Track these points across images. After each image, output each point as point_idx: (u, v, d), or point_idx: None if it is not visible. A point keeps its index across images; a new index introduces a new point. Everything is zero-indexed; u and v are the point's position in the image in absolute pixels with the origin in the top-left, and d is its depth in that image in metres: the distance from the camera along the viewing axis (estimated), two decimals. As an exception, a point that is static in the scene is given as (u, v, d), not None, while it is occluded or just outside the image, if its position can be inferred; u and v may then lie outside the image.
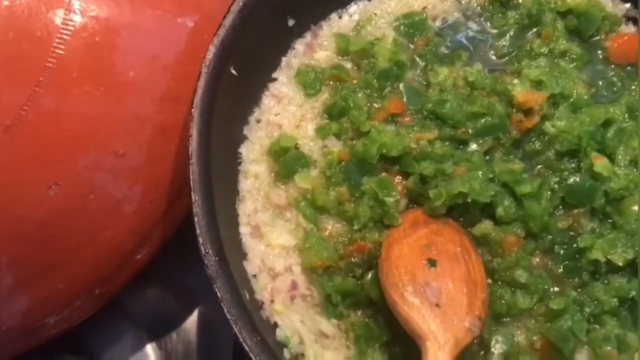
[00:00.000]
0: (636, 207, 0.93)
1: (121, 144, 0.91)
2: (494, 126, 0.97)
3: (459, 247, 0.90)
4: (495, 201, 0.92)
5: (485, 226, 0.92)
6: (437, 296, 0.85)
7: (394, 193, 0.95)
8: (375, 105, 1.01)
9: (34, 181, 0.86)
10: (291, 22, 1.06)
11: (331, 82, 1.04)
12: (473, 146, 0.97)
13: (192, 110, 0.89)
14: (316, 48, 1.07)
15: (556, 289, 0.93)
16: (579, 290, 0.92)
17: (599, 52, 1.06)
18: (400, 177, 0.97)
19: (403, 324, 0.85)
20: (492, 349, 0.90)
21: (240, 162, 1.01)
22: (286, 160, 0.99)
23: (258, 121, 1.04)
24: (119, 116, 0.91)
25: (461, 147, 0.98)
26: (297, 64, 1.06)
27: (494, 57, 1.06)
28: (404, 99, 1.01)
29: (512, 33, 1.06)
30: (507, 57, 1.05)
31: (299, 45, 1.08)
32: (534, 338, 0.90)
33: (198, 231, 0.86)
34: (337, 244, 0.95)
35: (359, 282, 0.93)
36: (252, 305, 0.92)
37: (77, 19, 0.88)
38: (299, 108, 1.04)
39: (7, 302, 0.92)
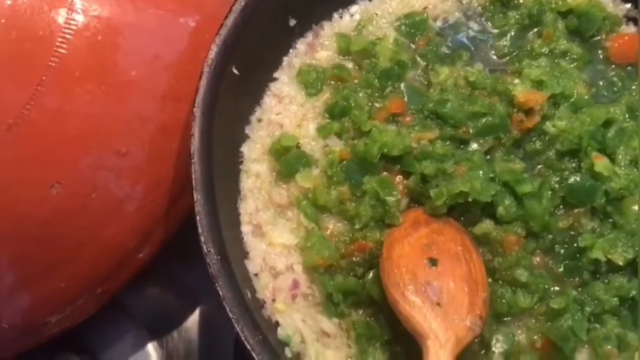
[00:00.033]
0: (636, 207, 0.93)
1: (123, 143, 0.91)
2: (495, 126, 0.97)
3: (460, 247, 0.90)
4: (496, 200, 0.92)
5: (486, 225, 0.92)
6: (438, 295, 0.85)
7: (395, 192, 0.95)
8: (377, 104, 1.01)
9: (36, 180, 0.86)
10: (292, 22, 1.06)
11: (332, 82, 1.05)
12: (474, 146, 0.98)
13: (194, 109, 0.90)
14: (317, 48, 1.08)
15: (557, 288, 0.93)
16: (580, 289, 0.92)
17: (600, 52, 1.06)
18: (401, 177, 0.98)
19: (404, 323, 0.85)
20: (493, 348, 0.90)
21: (242, 161, 1.01)
22: (287, 160, 0.99)
23: (259, 120, 1.04)
24: (121, 115, 0.91)
25: (462, 146, 0.98)
26: (298, 64, 1.06)
27: (494, 57, 1.06)
28: (405, 99, 1.01)
29: (513, 33, 1.06)
30: (508, 57, 1.05)
31: (301, 45, 1.08)
32: (535, 337, 0.90)
33: (200, 230, 0.86)
34: (339, 243, 0.95)
35: (360, 281, 0.93)
36: (254, 304, 0.92)
37: (80, 18, 0.88)
38: (301, 107, 1.04)
39: (9, 301, 0.92)
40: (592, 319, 0.90)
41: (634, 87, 1.02)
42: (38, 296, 0.93)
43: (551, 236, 0.93)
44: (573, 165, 0.96)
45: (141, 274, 1.01)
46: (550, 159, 0.97)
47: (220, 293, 0.84)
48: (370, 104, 1.01)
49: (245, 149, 1.02)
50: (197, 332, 1.14)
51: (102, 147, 0.90)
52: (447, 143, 0.97)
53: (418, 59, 1.05)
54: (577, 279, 0.93)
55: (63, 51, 0.86)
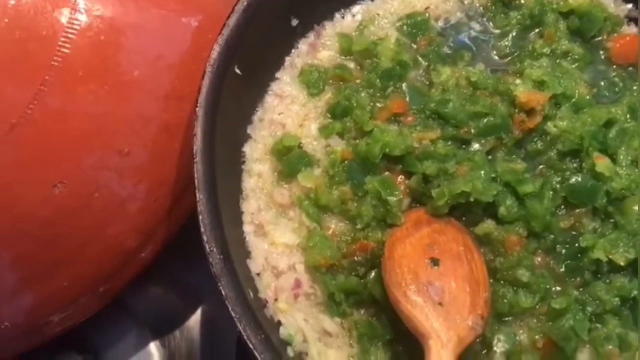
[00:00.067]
0: (637, 207, 0.93)
1: (126, 143, 0.91)
2: (496, 126, 0.97)
3: (461, 247, 0.91)
4: (498, 201, 0.92)
5: (488, 225, 0.92)
6: (440, 295, 0.85)
7: (397, 192, 0.95)
8: (378, 104, 1.01)
9: (39, 180, 0.87)
10: (295, 22, 1.06)
11: (334, 82, 1.05)
12: (475, 146, 0.98)
13: (197, 109, 0.90)
14: (319, 48, 1.08)
15: (558, 288, 0.93)
16: (581, 289, 0.92)
17: (601, 52, 1.06)
18: (402, 177, 0.98)
19: (406, 323, 0.85)
20: (495, 348, 0.91)
21: (244, 161, 1.01)
22: (289, 159, 0.99)
23: (261, 120, 1.04)
24: (123, 115, 0.91)
25: (463, 146, 0.98)
26: (300, 64, 1.06)
27: (496, 57, 1.06)
28: (407, 99, 1.02)
29: (514, 33, 1.06)
30: (509, 57, 1.05)
31: (303, 45, 1.08)
32: (536, 337, 0.91)
33: (202, 229, 0.86)
34: (340, 242, 0.95)
35: (362, 280, 0.93)
36: (256, 303, 0.92)
37: (83, 18, 0.88)
38: (302, 107, 1.04)
39: (12, 300, 0.92)
40: (593, 319, 0.90)
41: (635, 88, 1.02)
42: (40, 295, 0.93)
43: (552, 236, 0.94)
44: (574, 165, 0.96)
45: (143, 273, 1.01)
46: (552, 159, 0.97)
47: (223, 292, 0.84)
48: (372, 104, 1.01)
49: (247, 148, 1.02)
50: (199, 331, 1.14)
51: (104, 146, 0.90)
52: (449, 143, 0.97)
53: (420, 59, 1.05)
54: (578, 279, 0.93)
55: (66, 51, 0.86)
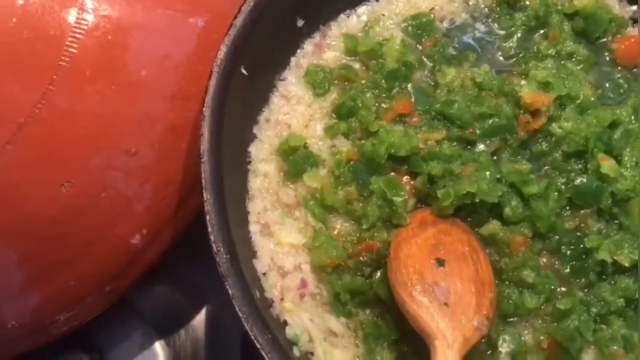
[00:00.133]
0: (642, 209, 0.94)
1: (133, 143, 0.91)
2: (502, 127, 0.97)
3: (467, 247, 0.91)
4: (503, 201, 0.93)
5: (493, 226, 0.93)
6: (445, 295, 0.85)
7: (402, 193, 0.95)
8: (384, 105, 1.01)
9: (46, 179, 0.87)
10: (300, 23, 1.06)
11: (340, 82, 1.05)
12: (480, 147, 0.98)
13: (204, 109, 0.90)
14: (325, 48, 1.08)
15: (563, 289, 0.93)
16: (586, 290, 0.93)
17: (606, 54, 1.06)
18: (408, 177, 0.98)
19: (412, 323, 0.85)
20: (500, 348, 0.91)
21: (250, 161, 1.02)
22: (295, 160, 0.99)
23: (267, 121, 1.04)
24: (130, 115, 0.91)
25: (469, 147, 0.98)
26: (306, 64, 1.06)
27: (501, 58, 1.06)
28: (412, 100, 1.02)
29: (519, 34, 1.06)
30: (514, 59, 1.06)
31: (308, 46, 1.08)
32: (541, 337, 0.91)
33: (210, 229, 0.86)
34: (346, 243, 0.95)
35: (367, 280, 0.93)
36: (262, 303, 0.92)
37: (90, 18, 0.88)
38: (308, 108, 1.04)
39: (18, 299, 0.93)
40: (598, 319, 0.91)
41: (640, 89, 1.03)
42: (47, 295, 0.93)
43: (557, 237, 0.94)
44: (579, 166, 0.97)
45: (149, 272, 1.01)
46: (557, 160, 0.97)
47: (230, 292, 0.84)
48: (377, 104, 1.01)
49: (253, 148, 1.02)
50: (204, 331, 1.14)
51: (112, 146, 0.90)
52: (454, 144, 0.98)
53: (425, 60, 1.06)
54: (583, 280, 0.93)
55: (74, 51, 0.86)
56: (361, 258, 0.94)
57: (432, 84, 1.04)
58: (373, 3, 1.10)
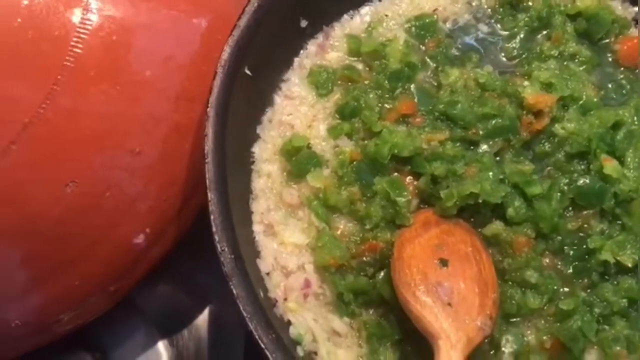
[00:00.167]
0: (645, 209, 0.94)
1: (137, 143, 0.91)
2: (505, 127, 0.97)
3: (470, 248, 0.91)
4: (506, 202, 0.93)
5: (496, 227, 0.93)
6: (449, 295, 0.86)
7: (406, 193, 0.95)
8: (387, 105, 1.02)
9: (51, 179, 0.87)
10: (304, 23, 1.06)
11: (343, 83, 1.05)
12: (484, 147, 0.98)
13: (208, 109, 0.90)
14: (328, 49, 1.08)
15: (566, 289, 0.93)
16: (589, 291, 0.93)
17: (608, 54, 1.06)
18: (411, 178, 0.98)
19: (415, 323, 0.86)
20: (503, 348, 0.91)
21: (253, 161, 1.02)
22: (298, 160, 0.99)
23: (270, 121, 1.04)
24: (135, 115, 0.91)
25: (472, 148, 0.98)
26: (309, 65, 1.07)
27: (504, 59, 1.06)
28: (415, 100, 1.02)
29: (522, 35, 1.07)
30: (517, 59, 1.06)
31: (311, 46, 1.08)
32: (544, 338, 0.91)
33: (214, 229, 0.86)
34: (349, 243, 0.95)
35: (371, 281, 0.93)
36: (266, 303, 0.92)
37: (94, 18, 0.88)
38: (311, 108, 1.04)
39: (22, 299, 0.93)
40: (601, 320, 0.91)
41: (642, 90, 1.03)
42: (51, 294, 0.93)
43: (560, 237, 0.94)
44: (582, 167, 0.97)
45: (153, 272, 1.01)
46: (560, 161, 0.97)
47: (234, 292, 0.84)
48: (380, 104, 1.02)
49: (256, 149, 1.02)
50: (207, 330, 1.14)
51: (116, 146, 0.90)
52: (457, 144, 0.98)
53: (428, 60, 1.06)
54: (586, 280, 0.93)
55: (78, 51, 0.86)
56: (364, 258, 0.94)
57: (435, 84, 1.04)
58: (376, 4, 1.11)
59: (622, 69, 1.05)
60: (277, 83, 1.06)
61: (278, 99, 1.05)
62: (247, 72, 0.98)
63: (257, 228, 0.98)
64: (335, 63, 1.07)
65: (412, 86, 1.03)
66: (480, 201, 0.92)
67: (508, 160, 0.97)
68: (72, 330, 1.01)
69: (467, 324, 0.84)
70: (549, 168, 0.98)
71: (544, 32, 1.07)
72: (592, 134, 0.96)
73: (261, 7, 0.96)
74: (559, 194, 0.94)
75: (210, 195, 0.87)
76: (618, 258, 0.91)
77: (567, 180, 0.96)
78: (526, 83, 1.00)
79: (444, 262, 0.89)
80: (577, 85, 1.00)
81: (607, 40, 1.07)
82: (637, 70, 1.05)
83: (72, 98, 0.86)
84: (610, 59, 1.06)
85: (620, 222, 0.94)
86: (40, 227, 0.88)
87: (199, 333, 1.14)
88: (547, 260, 0.94)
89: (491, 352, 0.91)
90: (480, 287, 0.87)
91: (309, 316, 0.93)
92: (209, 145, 0.89)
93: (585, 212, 0.95)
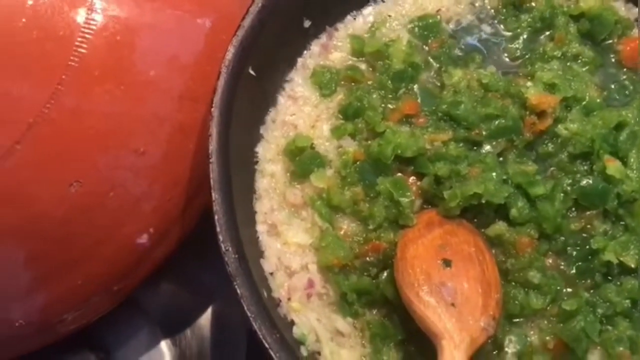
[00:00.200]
0: (648, 210, 0.94)
1: (141, 143, 0.91)
2: (508, 128, 0.98)
3: (473, 248, 0.91)
4: (509, 202, 0.93)
5: (499, 227, 0.93)
6: (452, 296, 0.86)
7: (409, 193, 0.95)
8: (390, 106, 1.02)
9: (55, 179, 0.87)
10: (307, 23, 1.06)
11: (346, 83, 1.05)
12: (487, 148, 0.98)
13: (212, 109, 0.90)
14: (331, 49, 1.08)
15: (569, 290, 0.93)
16: (592, 291, 0.93)
17: (611, 55, 1.06)
18: (414, 178, 0.98)
19: (419, 323, 0.86)
20: (506, 349, 0.91)
21: (257, 161, 1.02)
22: (302, 160, 1.00)
23: (274, 121, 1.04)
24: (139, 115, 0.91)
25: (475, 148, 0.98)
26: (312, 65, 1.07)
27: (507, 60, 1.06)
28: (419, 100, 1.02)
29: (525, 36, 1.07)
30: (520, 60, 1.06)
31: (315, 46, 1.08)
32: (547, 338, 0.91)
33: (218, 229, 0.86)
34: (353, 243, 0.95)
35: (374, 281, 0.93)
36: (270, 302, 0.92)
37: (99, 18, 0.89)
38: (315, 108, 1.04)
39: (26, 298, 0.93)
40: (604, 320, 0.91)
41: (645, 91, 1.03)
42: (55, 294, 0.94)
43: (563, 238, 0.94)
44: (585, 168, 0.97)
45: (157, 272, 1.01)
46: (563, 162, 0.97)
47: (238, 292, 0.84)
48: (383, 105, 1.02)
49: (260, 149, 1.02)
50: (210, 330, 1.14)
51: (120, 146, 0.90)
52: (461, 145, 0.98)
53: (431, 61, 1.06)
54: (589, 281, 0.93)
55: (83, 51, 0.87)
56: (368, 258, 0.94)
57: (439, 85, 1.04)
58: (379, 4, 1.11)
59: (625, 69, 1.05)
60: (281, 83, 1.06)
61: (281, 99, 1.05)
62: (251, 72, 0.98)
63: (260, 228, 0.99)
64: (338, 63, 1.07)
65: (415, 86, 1.03)
66: (483, 202, 0.92)
67: (511, 161, 0.97)
68: (75, 330, 1.01)
69: (471, 324, 0.84)
70: (552, 169, 0.98)
71: (547, 33, 1.07)
72: (595, 134, 0.96)
73: (265, 7, 0.96)
74: (562, 194, 0.94)
75: (215, 195, 0.87)
76: (621, 259, 0.91)
77: (570, 181, 0.96)
78: (529, 84, 1.00)
79: (447, 263, 0.89)
80: (580, 86, 1.00)
81: (610, 41, 1.07)
82: (640, 71, 1.05)
83: (77, 98, 0.86)
84: (613, 60, 1.06)
85: (623, 222, 0.95)
86: (45, 227, 0.88)
87: (202, 333, 1.14)
88: (550, 261, 0.94)
89: (494, 353, 0.92)
90: (483, 288, 0.87)
91: (312, 316, 0.93)
92: (213, 145, 0.89)
93: (588, 213, 0.95)
